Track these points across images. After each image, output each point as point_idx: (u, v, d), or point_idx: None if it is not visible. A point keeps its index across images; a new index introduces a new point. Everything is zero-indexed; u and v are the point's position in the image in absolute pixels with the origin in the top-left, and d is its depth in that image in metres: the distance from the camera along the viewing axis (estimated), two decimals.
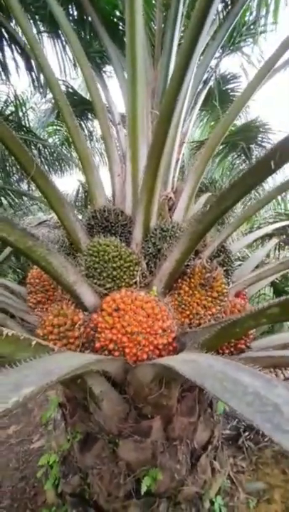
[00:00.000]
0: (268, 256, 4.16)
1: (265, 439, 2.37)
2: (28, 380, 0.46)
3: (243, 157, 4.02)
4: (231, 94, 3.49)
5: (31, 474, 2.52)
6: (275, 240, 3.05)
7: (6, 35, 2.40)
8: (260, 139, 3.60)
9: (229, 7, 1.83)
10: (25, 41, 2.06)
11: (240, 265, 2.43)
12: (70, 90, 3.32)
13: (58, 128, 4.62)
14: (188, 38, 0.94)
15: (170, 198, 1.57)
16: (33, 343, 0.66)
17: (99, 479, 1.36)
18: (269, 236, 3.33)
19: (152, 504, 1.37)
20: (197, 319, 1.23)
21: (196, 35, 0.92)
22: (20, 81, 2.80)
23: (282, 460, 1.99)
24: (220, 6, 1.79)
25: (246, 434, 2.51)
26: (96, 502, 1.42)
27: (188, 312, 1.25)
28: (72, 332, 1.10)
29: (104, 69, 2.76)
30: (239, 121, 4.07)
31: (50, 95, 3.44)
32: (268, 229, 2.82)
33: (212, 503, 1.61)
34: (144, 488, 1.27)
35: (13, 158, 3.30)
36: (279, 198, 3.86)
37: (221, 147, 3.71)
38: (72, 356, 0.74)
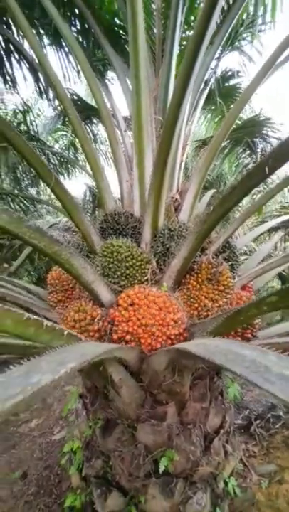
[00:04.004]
0: (276, 248, 4.20)
1: (276, 426, 2.46)
2: (69, 359, 0.57)
3: (249, 151, 4.05)
4: (233, 89, 3.53)
5: (54, 463, 2.68)
6: (280, 233, 3.10)
7: (14, 50, 2.52)
8: (264, 132, 3.64)
9: (226, 12, 1.90)
10: (34, 55, 2.19)
11: (246, 259, 2.50)
12: (75, 97, 3.43)
13: (64, 133, 4.77)
14: (188, 54, 1.02)
15: (176, 199, 1.67)
16: (65, 333, 0.78)
17: (120, 461, 1.48)
18: (275, 229, 3.38)
19: (170, 483, 1.48)
20: (205, 311, 1.33)
21: (194, 56, 1.00)
22: (25, 86, 2.88)
23: None
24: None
25: (257, 422, 2.60)
26: (118, 482, 1.54)
27: (196, 305, 1.35)
28: (92, 326, 1.22)
29: (106, 76, 2.86)
30: (245, 115, 4.09)
31: (56, 102, 3.58)
32: (274, 222, 2.87)
33: (226, 483, 1.71)
34: (162, 468, 1.38)
35: (22, 165, 3.46)
36: (286, 191, 3.89)
37: (225, 143, 3.76)
38: (98, 344, 0.85)
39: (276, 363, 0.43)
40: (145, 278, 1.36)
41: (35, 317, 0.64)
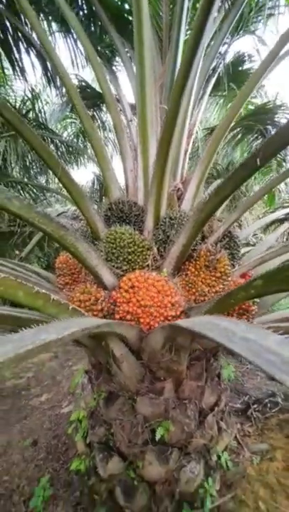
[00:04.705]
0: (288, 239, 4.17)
1: (273, 411, 2.56)
2: (72, 325, 0.67)
3: (261, 139, 3.95)
4: (246, 74, 3.41)
5: (62, 433, 2.91)
6: (286, 225, 3.08)
7: (22, 37, 2.54)
8: (277, 119, 3.53)
9: None
10: (41, 45, 2.21)
11: (248, 252, 2.54)
12: (83, 84, 3.42)
13: (73, 120, 4.77)
14: (191, 39, 1.03)
15: (179, 188, 1.71)
16: (70, 307, 0.87)
17: (121, 429, 1.63)
18: (281, 221, 3.37)
19: (166, 451, 1.62)
20: (202, 296, 1.41)
21: (198, 37, 1.01)
22: (33, 72, 2.85)
23: (286, 426, 2.18)
24: None
25: (255, 406, 2.72)
26: (119, 448, 1.70)
27: (194, 290, 1.42)
28: (96, 306, 1.32)
29: (114, 62, 2.83)
30: (260, 100, 3.97)
31: (64, 90, 3.57)
32: (279, 214, 2.86)
33: (219, 457, 1.85)
34: (158, 436, 1.52)
35: (31, 154, 3.53)
36: None
37: (236, 130, 3.69)
38: (99, 319, 0.95)
39: (243, 330, 0.51)
40: (146, 264, 1.44)
41: (43, 291, 0.74)
